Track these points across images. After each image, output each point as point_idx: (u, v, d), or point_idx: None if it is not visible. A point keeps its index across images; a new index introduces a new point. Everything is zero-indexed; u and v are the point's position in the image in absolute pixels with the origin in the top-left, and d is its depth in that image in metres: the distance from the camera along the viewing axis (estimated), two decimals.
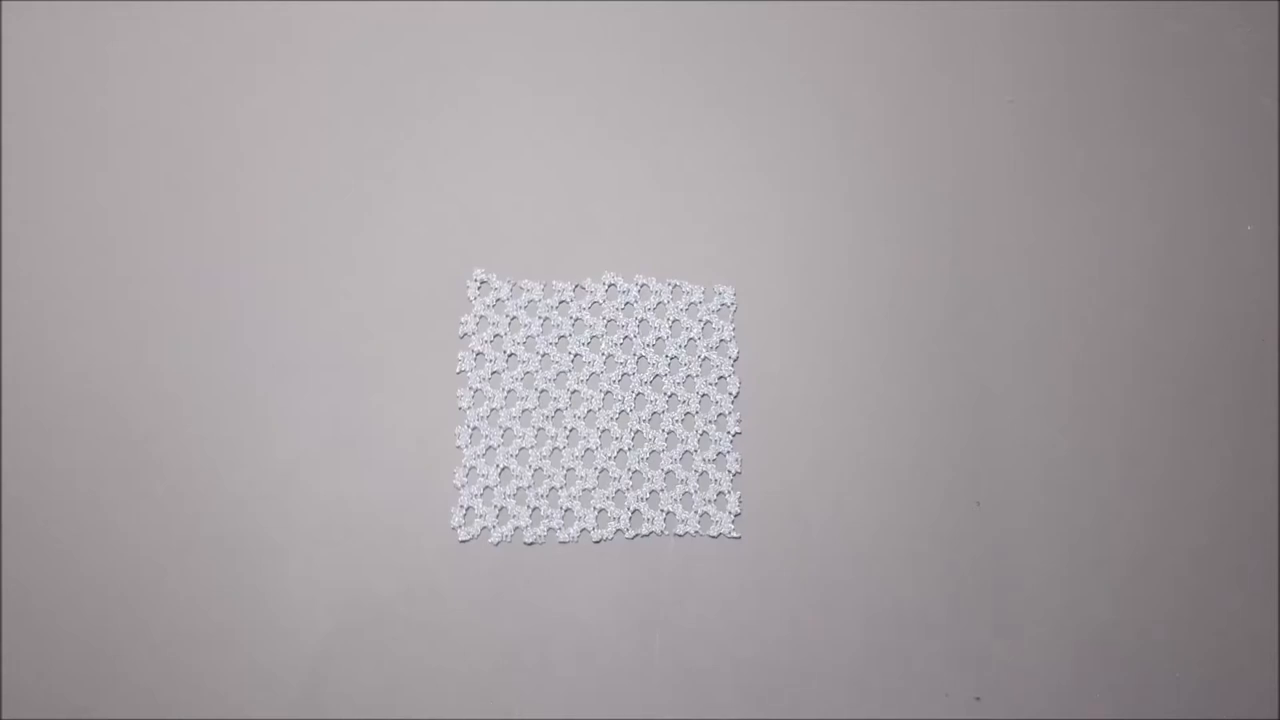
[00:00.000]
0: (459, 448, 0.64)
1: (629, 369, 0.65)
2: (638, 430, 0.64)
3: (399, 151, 0.69)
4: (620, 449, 0.64)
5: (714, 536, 0.63)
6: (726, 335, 0.66)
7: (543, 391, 0.65)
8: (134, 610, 0.60)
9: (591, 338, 0.66)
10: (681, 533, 0.63)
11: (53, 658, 0.59)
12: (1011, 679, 0.61)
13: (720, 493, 0.63)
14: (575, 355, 0.65)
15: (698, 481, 0.63)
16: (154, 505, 0.62)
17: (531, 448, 0.64)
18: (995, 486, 0.64)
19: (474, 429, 0.64)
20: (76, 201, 0.67)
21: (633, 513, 0.63)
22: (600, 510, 0.63)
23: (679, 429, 0.64)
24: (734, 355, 0.65)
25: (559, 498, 0.63)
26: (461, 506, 0.63)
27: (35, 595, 0.60)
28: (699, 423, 0.64)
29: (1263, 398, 0.66)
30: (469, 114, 0.70)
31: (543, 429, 0.64)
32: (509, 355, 0.65)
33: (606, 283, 0.67)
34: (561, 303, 0.66)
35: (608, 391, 0.65)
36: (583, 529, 0.63)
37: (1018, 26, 0.73)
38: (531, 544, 0.63)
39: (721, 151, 0.69)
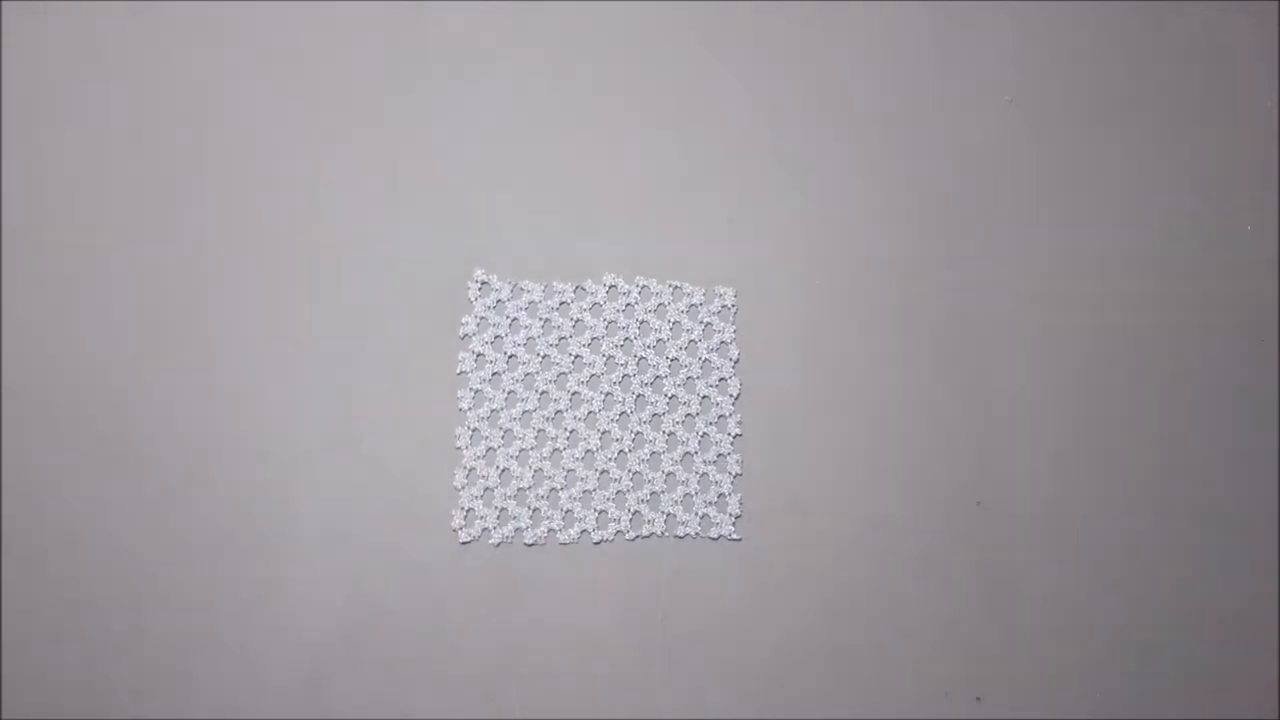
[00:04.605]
0: (459, 449, 0.64)
1: (630, 370, 0.65)
2: (638, 432, 0.64)
3: (399, 152, 0.69)
4: (621, 450, 0.64)
5: (714, 538, 0.63)
6: (727, 337, 0.66)
7: (543, 393, 0.65)
8: (134, 611, 0.60)
9: (592, 339, 0.66)
10: (682, 534, 0.63)
11: (53, 658, 0.59)
12: (1011, 679, 0.61)
13: (721, 494, 0.63)
14: (576, 356, 0.65)
15: (698, 483, 0.63)
16: (154, 506, 0.62)
17: (532, 449, 0.64)
18: (996, 486, 0.64)
19: (474, 430, 0.64)
20: (77, 201, 0.67)
21: (633, 514, 0.63)
22: (601, 511, 0.63)
23: (680, 430, 0.64)
24: (735, 357, 0.65)
25: (559, 499, 0.63)
26: (462, 508, 0.63)
27: (35, 595, 0.60)
28: (700, 424, 0.64)
29: (1263, 397, 0.66)
30: (470, 115, 0.70)
31: (543, 430, 0.64)
32: (509, 356, 0.65)
33: (607, 284, 0.67)
34: (562, 304, 0.66)
35: (608, 393, 0.65)
36: (583, 530, 0.63)
37: (1018, 26, 0.73)
38: (532, 545, 0.63)
39: (723, 153, 0.69)
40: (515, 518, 0.63)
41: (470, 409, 0.64)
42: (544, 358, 0.65)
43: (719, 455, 0.64)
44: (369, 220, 0.68)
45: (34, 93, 0.69)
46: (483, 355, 0.65)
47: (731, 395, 0.65)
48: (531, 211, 0.68)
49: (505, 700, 0.60)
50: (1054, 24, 0.73)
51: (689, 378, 0.65)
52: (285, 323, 0.66)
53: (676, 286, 0.67)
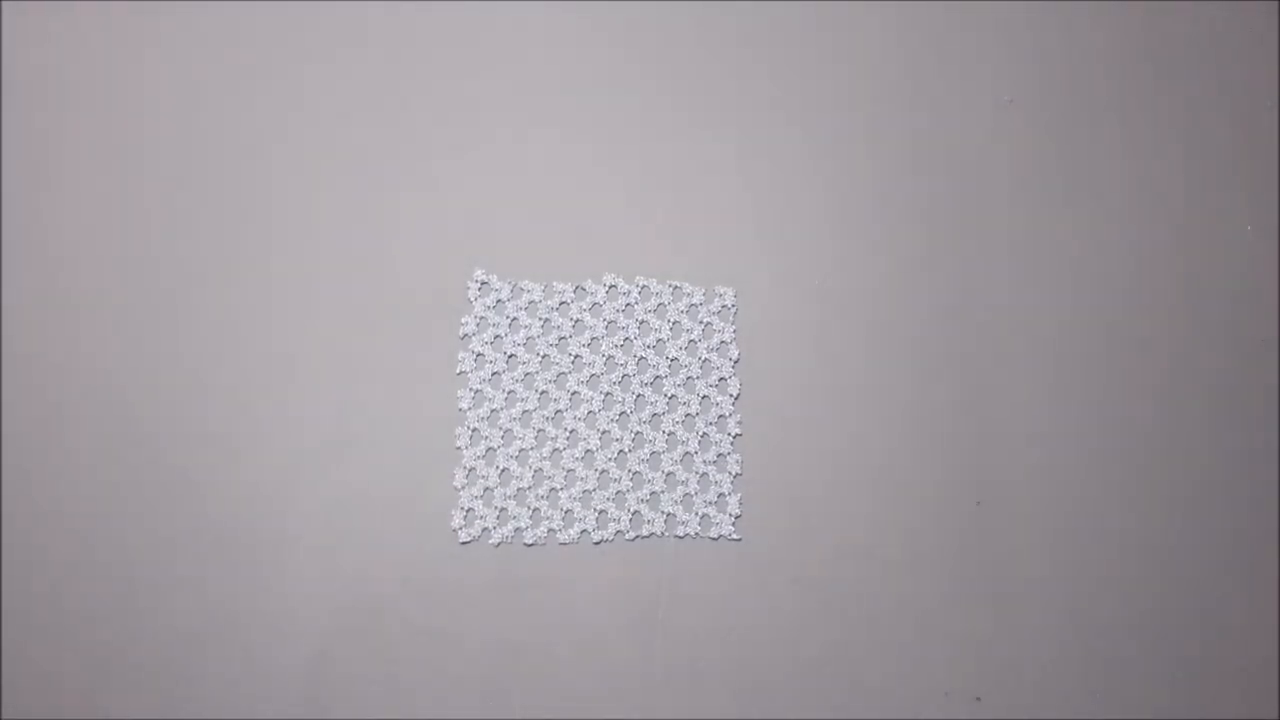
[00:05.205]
0: (459, 449, 0.64)
1: (629, 370, 0.65)
2: (638, 432, 0.64)
3: (399, 152, 0.69)
4: (621, 450, 0.64)
5: (714, 538, 0.63)
6: (727, 337, 0.66)
7: (543, 393, 0.65)
8: (133, 610, 0.60)
9: (592, 339, 0.66)
10: (682, 534, 0.63)
11: (53, 658, 0.59)
12: (1011, 679, 0.61)
13: (721, 494, 0.63)
14: (576, 356, 0.65)
15: (698, 483, 0.63)
16: (153, 505, 0.62)
17: (532, 449, 0.64)
18: (995, 486, 0.64)
19: (474, 430, 0.64)
20: (77, 201, 0.67)
21: (633, 514, 0.63)
22: (601, 512, 0.63)
23: (679, 430, 0.64)
24: (735, 357, 0.65)
25: (559, 499, 0.63)
26: (462, 508, 0.63)
27: (35, 595, 0.60)
28: (700, 424, 0.64)
29: (1263, 398, 0.66)
30: (470, 114, 0.70)
31: (543, 430, 0.64)
32: (509, 356, 0.65)
33: (607, 284, 0.67)
34: (562, 304, 0.66)
35: (608, 393, 0.65)
36: (583, 530, 0.63)
37: (1018, 26, 0.73)
38: (532, 545, 0.63)
39: (722, 152, 0.70)
40: (515, 518, 0.63)
41: (470, 409, 0.64)
42: (544, 358, 0.65)
43: (719, 455, 0.64)
44: (368, 220, 0.68)
45: (34, 93, 0.69)
46: (482, 355, 0.65)
47: (731, 395, 0.65)
48: (532, 211, 0.68)
49: (505, 700, 0.60)
50: (1054, 24, 0.73)
51: (689, 378, 0.65)
52: (284, 322, 0.66)
53: (676, 286, 0.67)
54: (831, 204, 0.69)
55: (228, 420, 0.63)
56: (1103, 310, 0.68)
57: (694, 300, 0.66)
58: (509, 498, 0.63)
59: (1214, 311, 0.68)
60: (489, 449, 0.64)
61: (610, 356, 0.66)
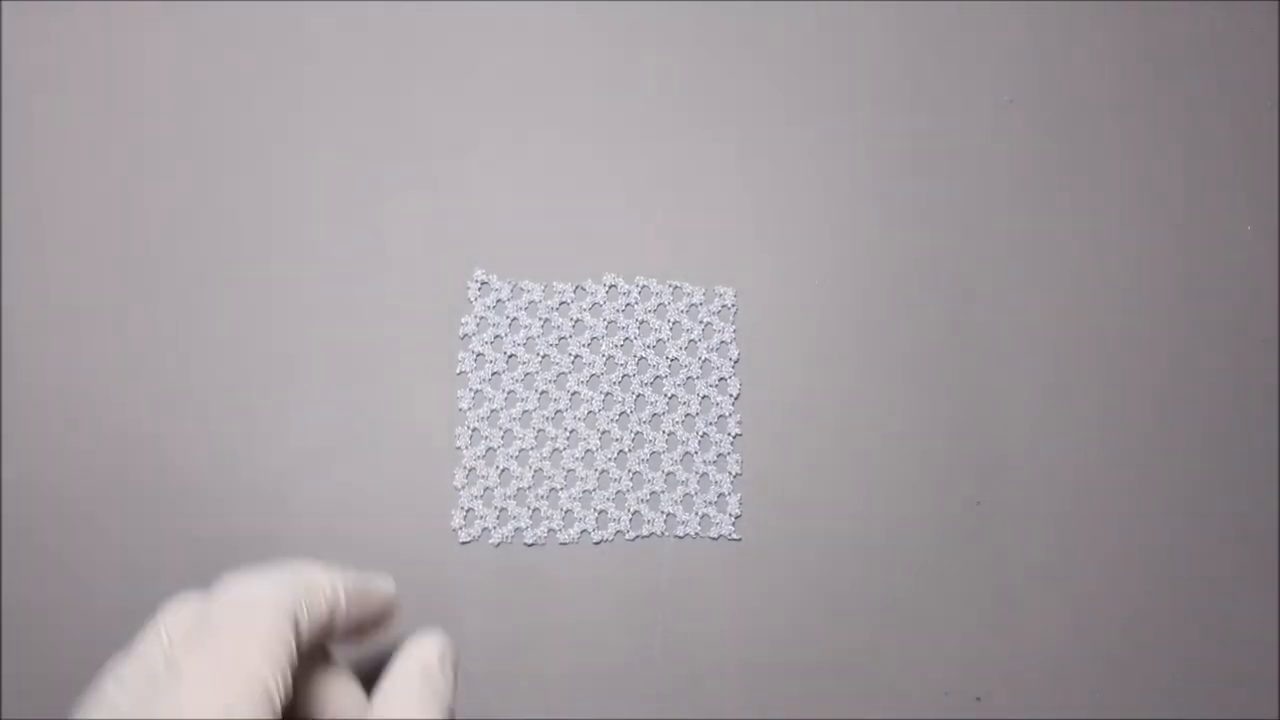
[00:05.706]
0: (459, 449, 0.64)
1: (629, 370, 0.65)
2: (638, 432, 0.64)
3: (399, 151, 0.69)
4: (621, 450, 0.64)
5: (714, 538, 0.63)
6: (727, 337, 0.66)
7: (543, 393, 0.65)
8: (133, 611, 0.60)
9: (592, 339, 0.66)
10: (682, 534, 0.63)
11: (53, 658, 0.59)
12: (1011, 679, 0.61)
13: (721, 494, 0.63)
14: (576, 356, 0.65)
15: (698, 483, 0.63)
16: (152, 505, 0.62)
17: (532, 449, 0.64)
18: (995, 486, 0.64)
19: (474, 430, 0.64)
20: (77, 201, 0.67)
21: (633, 514, 0.63)
22: (601, 512, 0.63)
23: (680, 430, 0.64)
24: (735, 357, 0.65)
25: (559, 499, 0.63)
26: (462, 508, 0.63)
27: (35, 595, 0.60)
28: (700, 424, 0.64)
29: (1263, 398, 0.66)
30: (470, 114, 0.70)
31: (543, 430, 0.64)
32: (509, 356, 0.65)
33: (607, 284, 0.67)
34: (562, 304, 0.66)
35: (608, 393, 0.65)
36: (583, 530, 0.63)
37: (1018, 26, 0.73)
38: (532, 545, 0.63)
39: (723, 152, 0.70)
40: (515, 518, 0.63)
41: (470, 409, 0.64)
42: (544, 358, 0.65)
43: (719, 455, 0.64)
44: (368, 219, 0.68)
45: (34, 93, 0.69)
46: (482, 355, 0.65)
47: (731, 395, 0.65)
48: (532, 211, 0.68)
49: (505, 700, 0.60)
50: (1054, 24, 0.73)
51: (689, 378, 0.65)
52: (283, 322, 0.66)
53: (676, 286, 0.67)
54: (831, 204, 0.69)
55: (228, 421, 0.63)
56: (1102, 311, 0.68)
57: (694, 300, 0.66)
58: (509, 498, 0.63)
59: (1214, 311, 0.68)
60: (489, 449, 0.64)
61: (610, 356, 0.66)
